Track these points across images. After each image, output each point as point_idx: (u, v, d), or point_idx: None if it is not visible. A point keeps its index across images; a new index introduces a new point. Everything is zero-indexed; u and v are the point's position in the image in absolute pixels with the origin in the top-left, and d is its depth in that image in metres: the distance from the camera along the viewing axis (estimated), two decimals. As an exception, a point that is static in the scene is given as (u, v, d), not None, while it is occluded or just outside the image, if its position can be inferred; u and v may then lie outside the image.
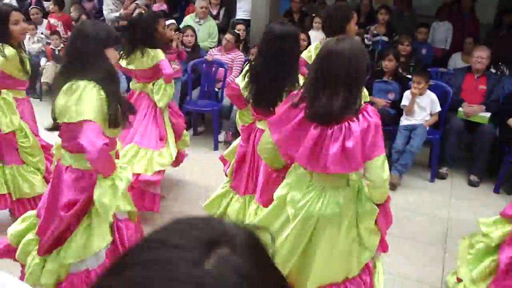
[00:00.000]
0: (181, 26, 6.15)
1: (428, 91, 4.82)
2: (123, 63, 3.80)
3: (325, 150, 2.04)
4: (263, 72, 2.80)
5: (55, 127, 2.48)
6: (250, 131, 3.09)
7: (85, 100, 2.24)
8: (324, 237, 2.22)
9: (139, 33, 3.76)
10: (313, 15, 6.67)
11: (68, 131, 2.37)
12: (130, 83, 4.07)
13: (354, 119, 2.01)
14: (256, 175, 3.02)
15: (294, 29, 2.88)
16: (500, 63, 5.72)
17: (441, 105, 4.84)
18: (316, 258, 2.25)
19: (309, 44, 5.47)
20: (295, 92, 2.27)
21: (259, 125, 2.99)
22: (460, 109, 4.89)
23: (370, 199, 2.21)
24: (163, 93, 3.82)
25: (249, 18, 7.00)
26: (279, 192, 2.34)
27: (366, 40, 6.16)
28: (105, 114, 2.31)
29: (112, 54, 2.42)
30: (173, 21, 5.90)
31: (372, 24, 6.35)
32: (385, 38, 6.14)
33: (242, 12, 7.11)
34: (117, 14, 7.21)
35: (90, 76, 2.30)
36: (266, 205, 2.60)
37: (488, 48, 4.97)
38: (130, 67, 3.82)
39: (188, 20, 6.46)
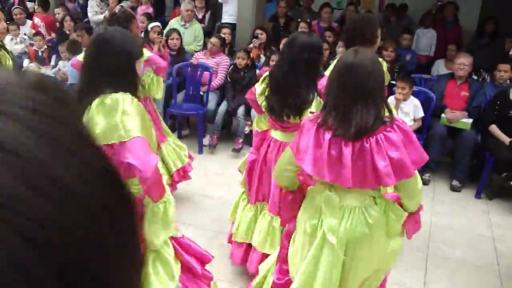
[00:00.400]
0: (166, 29, 6.13)
1: (412, 97, 4.87)
2: None
3: (370, 165, 1.93)
4: (282, 82, 2.74)
5: None
6: (263, 138, 3.04)
7: (131, 114, 2.00)
8: (357, 261, 2.12)
9: None
10: (299, 20, 6.71)
11: (115, 153, 2.03)
12: None
13: (389, 129, 1.93)
14: (267, 183, 3.00)
15: (318, 40, 2.80)
16: (481, 70, 5.81)
17: (424, 111, 4.88)
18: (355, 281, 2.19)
19: (330, 52, 5.52)
20: (312, 115, 2.14)
21: (274, 134, 2.95)
22: (443, 115, 4.95)
23: (397, 218, 2.13)
24: (158, 85, 3.85)
25: (235, 22, 7.01)
26: (310, 221, 2.18)
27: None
28: (147, 128, 2.09)
29: (139, 66, 2.26)
30: (157, 23, 5.86)
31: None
32: (370, 44, 6.17)
33: (228, 16, 7.11)
34: (101, 16, 7.16)
35: (123, 90, 2.09)
36: (284, 224, 2.55)
37: (470, 55, 5.05)
38: None
39: (174, 23, 6.44)
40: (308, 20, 6.73)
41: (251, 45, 6.11)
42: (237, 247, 3.16)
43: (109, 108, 2.01)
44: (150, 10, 7.20)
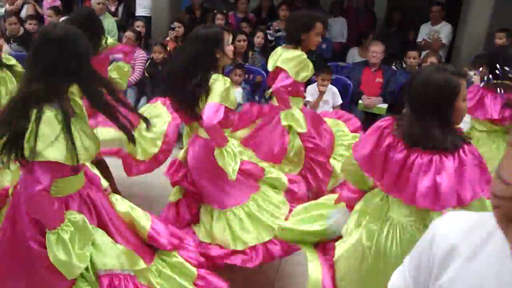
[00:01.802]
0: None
1: (330, 85, 4.98)
2: None
3: (414, 181, 1.93)
4: (176, 74, 2.72)
5: None
6: None
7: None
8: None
9: None
10: (215, 11, 6.63)
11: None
12: None
13: (449, 155, 1.91)
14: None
15: (215, 31, 2.74)
16: (391, 58, 6.10)
17: (342, 98, 5.03)
18: None
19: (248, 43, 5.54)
20: (384, 120, 2.12)
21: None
22: (360, 101, 5.14)
23: None
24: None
25: (149, 15, 6.80)
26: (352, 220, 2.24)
27: (269, 36, 6.23)
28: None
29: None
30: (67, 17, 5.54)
31: (274, 20, 6.46)
32: (287, 34, 6.25)
33: (142, 8, 6.88)
34: (2, 10, 6.64)
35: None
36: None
37: (382, 43, 5.27)
38: None
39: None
40: (225, 11, 6.68)
41: (168, 38, 5.96)
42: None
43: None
44: (58, 3, 6.79)
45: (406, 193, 1.96)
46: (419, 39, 6.28)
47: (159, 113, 3.60)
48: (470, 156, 1.91)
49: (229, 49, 2.77)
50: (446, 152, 1.90)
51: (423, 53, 5.71)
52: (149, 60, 5.48)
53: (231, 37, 2.82)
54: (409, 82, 2.08)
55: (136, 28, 5.78)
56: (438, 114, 1.94)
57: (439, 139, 1.91)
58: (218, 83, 2.62)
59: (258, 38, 5.89)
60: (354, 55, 6.49)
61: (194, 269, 2.34)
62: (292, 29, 3.43)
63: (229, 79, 2.70)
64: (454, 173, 1.87)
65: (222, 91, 2.60)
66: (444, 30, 6.09)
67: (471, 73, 4.42)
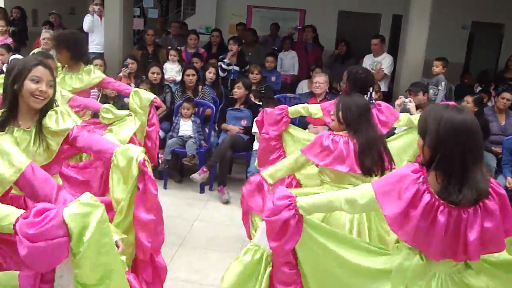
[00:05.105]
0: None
1: (276, 116, 5.16)
2: None
3: (463, 237, 1.76)
4: None
5: None
6: None
7: None
8: None
9: None
10: (169, 47, 6.80)
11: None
12: None
13: (489, 196, 1.78)
14: None
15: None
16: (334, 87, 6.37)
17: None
18: None
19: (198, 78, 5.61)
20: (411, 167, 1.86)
21: None
22: (306, 130, 5.32)
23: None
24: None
25: (102, 51, 6.90)
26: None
27: (221, 68, 6.39)
28: None
29: None
30: (17, 56, 5.58)
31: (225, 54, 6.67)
32: (237, 68, 6.47)
33: (94, 45, 6.97)
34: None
35: None
36: None
37: (325, 74, 5.52)
38: None
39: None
40: (178, 48, 6.86)
41: (121, 74, 6.05)
42: None
43: None
44: (9, 40, 6.81)
45: (458, 253, 1.80)
46: (363, 70, 6.58)
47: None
48: (501, 187, 1.84)
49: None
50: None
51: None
52: (100, 96, 5.54)
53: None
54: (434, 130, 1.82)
55: (95, 65, 5.82)
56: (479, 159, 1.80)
57: (485, 189, 1.76)
58: None
59: (210, 74, 6.06)
60: (303, 87, 6.75)
61: None
62: None
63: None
64: (499, 212, 1.78)
65: None
66: (385, 61, 6.39)
67: (407, 100, 4.66)
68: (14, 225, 1.52)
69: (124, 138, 3.30)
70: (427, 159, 1.83)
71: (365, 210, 2.34)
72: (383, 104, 3.56)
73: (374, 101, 3.50)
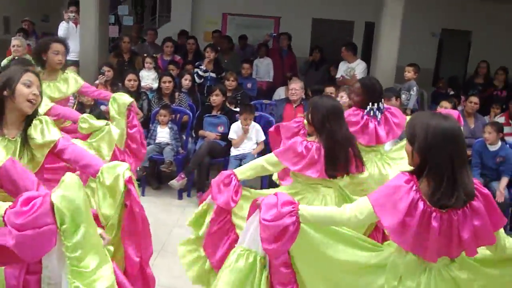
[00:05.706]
0: None
1: (253, 122, 5.23)
2: None
3: (456, 238, 1.87)
4: None
5: None
6: None
7: None
8: None
9: None
10: (145, 55, 6.81)
11: None
12: None
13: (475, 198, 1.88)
14: None
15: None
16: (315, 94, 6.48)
17: (265, 134, 5.27)
18: None
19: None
20: (401, 176, 1.95)
21: None
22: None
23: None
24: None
25: (77, 59, 6.87)
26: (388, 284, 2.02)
27: (197, 75, 6.44)
28: None
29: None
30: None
31: (201, 61, 6.72)
32: (213, 75, 6.53)
33: (69, 53, 6.90)
34: None
35: None
36: None
37: (300, 80, 5.62)
38: None
39: (6, 63, 6.02)
40: (154, 55, 6.88)
41: (97, 82, 6.03)
42: None
43: None
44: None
45: (452, 251, 1.92)
46: (337, 76, 6.72)
47: None
48: (484, 187, 1.94)
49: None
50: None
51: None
52: (76, 104, 5.51)
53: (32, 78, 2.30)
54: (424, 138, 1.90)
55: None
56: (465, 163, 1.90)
57: (472, 190, 1.87)
58: None
59: (186, 81, 6.10)
60: (280, 94, 6.85)
61: None
62: None
63: None
64: (485, 209, 1.88)
65: None
66: (359, 67, 6.54)
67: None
68: (3, 217, 1.55)
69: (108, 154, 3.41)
70: (417, 164, 1.93)
71: (366, 223, 2.45)
72: (392, 107, 3.60)
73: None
